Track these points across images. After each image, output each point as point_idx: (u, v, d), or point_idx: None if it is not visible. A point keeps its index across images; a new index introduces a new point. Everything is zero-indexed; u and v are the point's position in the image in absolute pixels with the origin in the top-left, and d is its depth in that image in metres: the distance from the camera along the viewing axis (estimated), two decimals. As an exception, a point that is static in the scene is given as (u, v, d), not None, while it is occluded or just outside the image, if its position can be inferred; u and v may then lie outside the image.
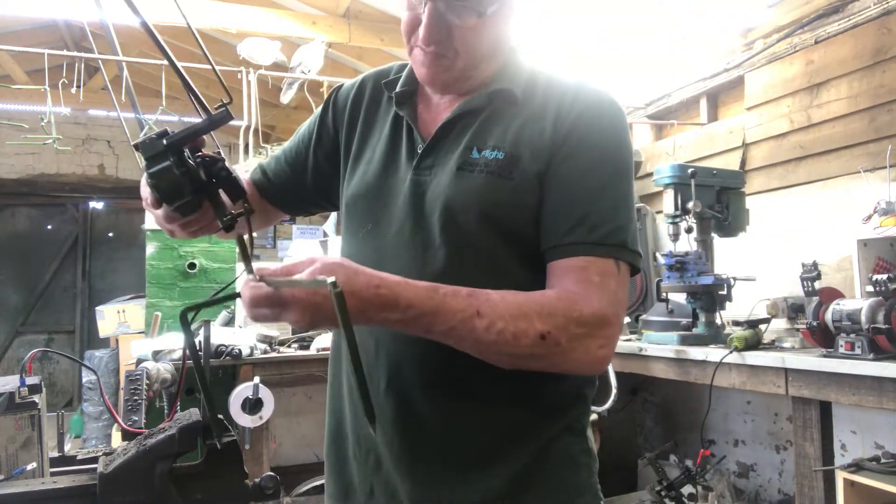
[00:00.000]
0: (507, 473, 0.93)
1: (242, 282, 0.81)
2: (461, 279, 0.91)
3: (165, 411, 2.76)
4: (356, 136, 1.10)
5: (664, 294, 2.64)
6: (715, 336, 2.54)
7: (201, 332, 2.81)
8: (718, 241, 2.89)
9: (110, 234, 8.31)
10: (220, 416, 0.87)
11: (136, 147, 0.83)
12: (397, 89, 1.04)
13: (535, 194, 0.92)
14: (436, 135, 0.98)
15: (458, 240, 0.92)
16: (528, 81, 0.99)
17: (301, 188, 1.17)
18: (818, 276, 2.13)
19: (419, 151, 0.99)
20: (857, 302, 2.00)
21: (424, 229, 0.94)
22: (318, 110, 1.18)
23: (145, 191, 0.92)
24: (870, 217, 2.51)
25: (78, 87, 3.63)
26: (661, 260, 2.64)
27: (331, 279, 0.71)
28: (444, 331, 0.83)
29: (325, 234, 4.50)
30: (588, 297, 0.87)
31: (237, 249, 0.88)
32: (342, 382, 1.06)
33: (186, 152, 0.84)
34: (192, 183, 0.83)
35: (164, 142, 0.82)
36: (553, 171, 0.92)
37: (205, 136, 0.88)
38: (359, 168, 1.06)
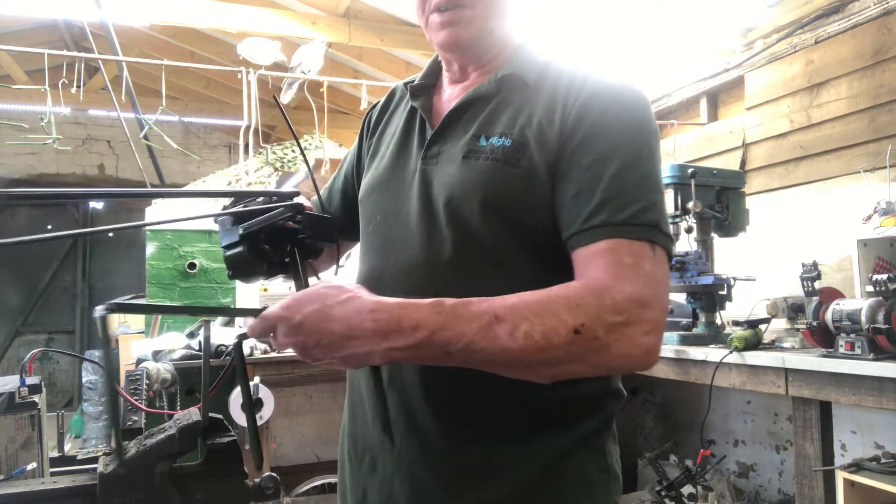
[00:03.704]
0: (509, 486, 0.88)
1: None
2: (468, 270, 0.89)
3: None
4: (376, 137, 1.11)
5: (664, 294, 2.64)
6: (715, 336, 2.54)
7: (201, 331, 2.82)
8: (718, 241, 2.89)
9: (110, 234, 8.31)
10: (220, 416, 0.87)
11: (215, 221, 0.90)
12: (414, 83, 1.05)
13: (544, 184, 0.88)
14: (443, 123, 0.97)
15: (464, 229, 0.89)
16: (542, 70, 0.96)
17: (356, 210, 1.11)
18: (818, 276, 2.13)
19: (427, 140, 0.98)
20: (857, 302, 2.00)
21: (430, 219, 0.92)
22: (358, 136, 1.20)
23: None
24: (870, 217, 2.51)
25: (78, 87, 3.63)
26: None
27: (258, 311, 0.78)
28: (465, 347, 0.74)
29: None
30: (620, 280, 0.78)
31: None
32: (350, 384, 1.06)
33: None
34: (267, 263, 0.89)
35: (241, 231, 0.87)
36: (568, 157, 0.87)
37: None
38: (374, 163, 1.07)
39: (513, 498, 0.88)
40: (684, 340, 2.55)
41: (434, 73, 1.07)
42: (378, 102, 1.16)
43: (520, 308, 0.76)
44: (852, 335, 1.96)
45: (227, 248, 0.86)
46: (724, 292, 2.57)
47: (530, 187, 0.88)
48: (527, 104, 0.93)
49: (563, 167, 0.87)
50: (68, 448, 4.14)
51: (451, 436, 0.90)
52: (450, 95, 1.03)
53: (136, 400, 2.22)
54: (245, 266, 0.87)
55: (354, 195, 1.13)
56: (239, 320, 3.35)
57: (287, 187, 4.39)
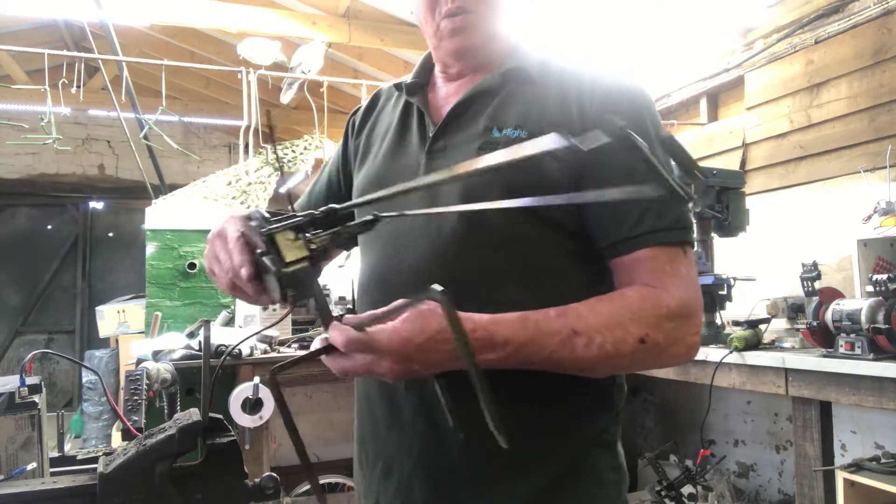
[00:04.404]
0: (531, 488, 0.88)
1: (331, 332, 0.76)
2: (476, 261, 0.89)
3: (166, 411, 2.76)
4: (364, 137, 1.10)
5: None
6: (715, 336, 2.54)
7: (201, 332, 2.82)
8: (718, 241, 2.89)
9: (110, 234, 8.31)
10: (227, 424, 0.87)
11: (271, 236, 0.74)
12: (408, 81, 1.05)
13: (562, 179, 0.88)
14: (448, 116, 0.97)
15: (478, 221, 0.89)
16: (542, 63, 0.97)
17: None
18: (818, 276, 2.13)
19: (430, 135, 0.98)
20: (857, 302, 2.00)
21: (440, 214, 0.91)
22: (342, 138, 1.19)
23: (245, 272, 0.79)
24: (870, 217, 2.51)
25: (78, 87, 3.63)
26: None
27: (439, 288, 0.65)
28: (545, 358, 0.81)
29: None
30: (667, 288, 0.85)
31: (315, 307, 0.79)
32: (357, 389, 1.05)
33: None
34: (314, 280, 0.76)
35: (310, 250, 0.74)
36: (600, 162, 0.86)
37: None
38: (367, 162, 1.06)
39: (534, 496, 0.89)
40: (684, 340, 2.55)
41: (426, 71, 1.08)
42: (360, 106, 1.17)
43: (593, 322, 0.82)
44: (852, 335, 1.96)
45: (288, 263, 0.72)
46: (724, 292, 2.57)
47: (547, 180, 0.88)
48: (536, 99, 0.93)
49: (594, 172, 0.88)
50: (68, 448, 4.14)
51: (471, 437, 0.87)
52: (447, 91, 1.03)
53: (136, 400, 2.22)
54: (307, 285, 0.74)
55: (340, 198, 1.11)
56: (238, 320, 3.36)
57: (287, 188, 4.39)
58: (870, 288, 1.96)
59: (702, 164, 3.39)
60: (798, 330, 2.20)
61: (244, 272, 0.78)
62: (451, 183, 0.89)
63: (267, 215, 0.77)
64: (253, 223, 0.77)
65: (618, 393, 0.97)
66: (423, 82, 1.06)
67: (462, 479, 0.89)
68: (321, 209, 0.77)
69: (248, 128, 3.69)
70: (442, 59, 1.03)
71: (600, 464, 0.93)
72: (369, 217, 0.75)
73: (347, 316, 0.78)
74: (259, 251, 0.76)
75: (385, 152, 1.02)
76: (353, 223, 0.76)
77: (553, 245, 0.91)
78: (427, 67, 1.08)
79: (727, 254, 3.02)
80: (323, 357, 0.78)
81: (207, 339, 0.96)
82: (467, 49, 0.97)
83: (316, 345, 0.79)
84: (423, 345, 0.75)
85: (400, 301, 0.76)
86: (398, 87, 1.08)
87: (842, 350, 1.98)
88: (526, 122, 0.92)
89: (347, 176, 1.14)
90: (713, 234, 2.85)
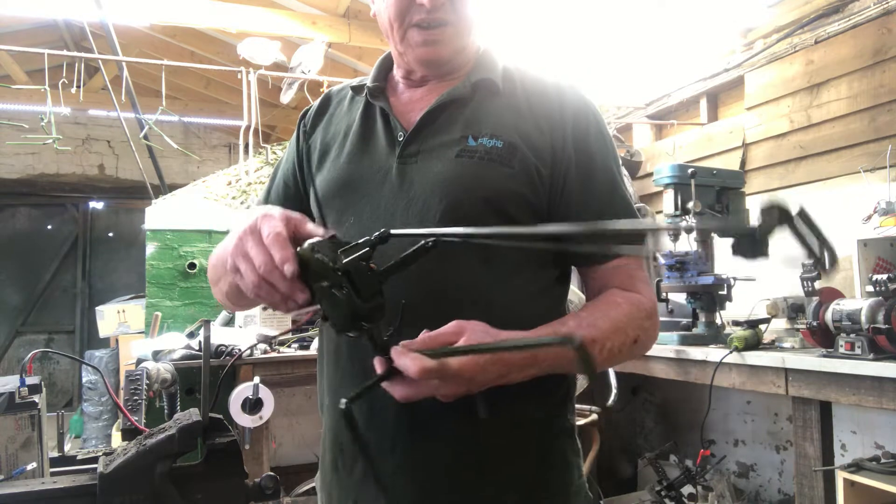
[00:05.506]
0: (515, 480, 0.93)
1: (403, 360, 0.74)
2: (452, 263, 0.90)
3: (166, 411, 2.76)
4: (318, 139, 1.09)
5: (664, 294, 2.64)
6: (715, 336, 2.54)
7: (201, 332, 2.82)
8: (718, 241, 2.89)
9: (110, 234, 8.32)
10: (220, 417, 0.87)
11: (348, 270, 0.68)
12: (369, 84, 1.05)
13: (537, 188, 0.94)
14: (420, 122, 0.98)
15: (455, 224, 0.90)
16: (504, 73, 1.01)
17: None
18: (818, 276, 2.13)
19: (400, 139, 0.98)
20: (857, 302, 1.99)
21: (419, 216, 0.92)
22: (292, 140, 1.17)
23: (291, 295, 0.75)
24: (870, 217, 2.51)
25: (78, 87, 3.63)
26: (661, 260, 2.64)
27: (573, 339, 0.64)
28: (571, 368, 0.90)
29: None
30: (640, 291, 0.96)
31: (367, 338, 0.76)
32: (329, 389, 1.03)
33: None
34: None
35: (378, 279, 0.71)
36: (573, 180, 0.96)
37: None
38: (326, 164, 1.05)
39: (516, 488, 0.92)
40: (684, 340, 2.55)
41: (384, 75, 1.08)
42: (311, 107, 1.16)
43: (605, 330, 0.90)
44: (852, 335, 1.96)
45: (368, 296, 0.68)
46: (724, 292, 2.56)
47: (520, 188, 0.93)
48: (507, 109, 0.98)
49: (573, 186, 0.96)
50: (68, 448, 4.14)
51: (459, 430, 0.90)
52: (412, 97, 1.04)
53: (136, 400, 2.22)
54: (380, 317, 0.72)
55: (299, 201, 1.10)
56: (238, 320, 3.36)
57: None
58: (870, 288, 1.95)
59: (702, 164, 3.39)
60: (798, 330, 2.20)
61: (288, 268, 0.72)
62: (430, 187, 0.93)
63: (329, 242, 0.71)
64: (319, 256, 0.71)
65: (573, 384, 1.05)
66: (382, 86, 1.06)
67: (448, 476, 0.91)
68: (376, 234, 0.73)
69: (248, 128, 3.69)
70: (408, 66, 1.03)
71: (566, 450, 1.00)
72: (428, 243, 0.75)
73: (405, 342, 0.77)
74: (327, 283, 0.70)
75: (348, 155, 1.02)
76: (413, 250, 0.75)
77: (525, 250, 0.94)
78: (385, 69, 1.08)
79: (727, 254, 3.02)
80: (385, 383, 0.77)
81: (207, 339, 0.96)
82: (438, 60, 0.98)
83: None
84: (485, 367, 0.78)
85: (455, 323, 0.79)
86: (356, 88, 1.08)
87: (842, 350, 1.97)
88: (500, 131, 0.95)
89: (303, 178, 1.12)
90: (713, 234, 2.85)
